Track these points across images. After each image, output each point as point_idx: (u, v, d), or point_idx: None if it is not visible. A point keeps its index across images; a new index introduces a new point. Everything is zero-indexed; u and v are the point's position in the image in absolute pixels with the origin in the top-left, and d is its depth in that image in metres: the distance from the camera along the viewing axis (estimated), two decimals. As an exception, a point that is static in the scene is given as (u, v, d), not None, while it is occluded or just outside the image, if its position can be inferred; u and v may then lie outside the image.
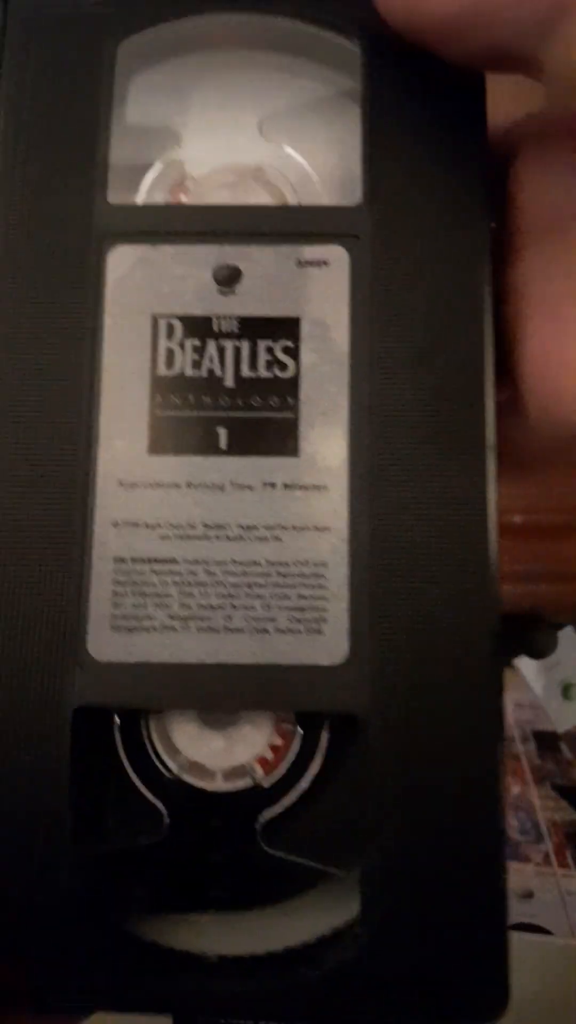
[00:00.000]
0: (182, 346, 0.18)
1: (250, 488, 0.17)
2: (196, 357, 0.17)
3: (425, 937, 0.16)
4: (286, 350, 0.17)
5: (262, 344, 0.18)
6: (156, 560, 0.17)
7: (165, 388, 0.17)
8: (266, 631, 0.17)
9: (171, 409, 0.17)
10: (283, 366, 0.17)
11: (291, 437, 0.17)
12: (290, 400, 0.17)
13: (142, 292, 0.18)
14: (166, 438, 0.17)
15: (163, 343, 0.18)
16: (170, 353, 0.17)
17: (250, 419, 0.17)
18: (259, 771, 0.17)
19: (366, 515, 0.17)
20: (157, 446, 0.17)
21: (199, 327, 0.18)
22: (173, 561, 0.17)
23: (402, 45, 0.17)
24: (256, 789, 0.17)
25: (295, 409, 0.17)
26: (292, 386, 0.17)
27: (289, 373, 0.17)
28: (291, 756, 0.17)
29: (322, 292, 0.18)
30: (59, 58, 0.18)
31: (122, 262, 0.18)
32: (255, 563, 0.17)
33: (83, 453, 0.17)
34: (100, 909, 0.17)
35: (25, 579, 0.17)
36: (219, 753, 0.17)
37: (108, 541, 0.17)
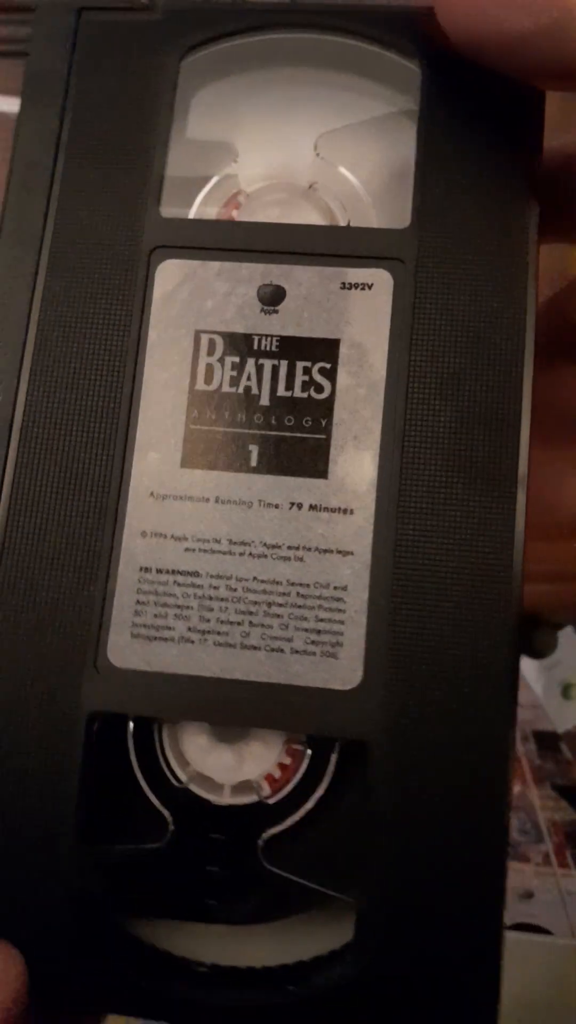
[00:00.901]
0: (222, 362, 0.18)
1: (276, 507, 0.17)
2: (234, 374, 0.18)
3: (418, 964, 0.16)
4: (323, 371, 0.18)
5: (300, 364, 0.18)
6: (180, 572, 0.17)
7: (202, 403, 0.18)
8: (282, 651, 0.17)
9: (206, 424, 0.18)
10: (319, 388, 0.18)
11: (321, 459, 0.17)
12: (323, 422, 0.17)
13: (187, 307, 0.18)
14: (199, 453, 0.17)
15: (204, 359, 0.18)
16: (209, 369, 0.18)
17: (282, 438, 0.17)
18: (265, 788, 0.17)
19: (390, 542, 0.17)
20: (190, 460, 0.17)
21: (240, 344, 0.18)
22: (196, 574, 0.17)
23: (462, 66, 0.17)
24: (261, 805, 0.17)
25: (327, 431, 0.17)
26: (326, 408, 0.17)
27: (324, 395, 0.17)
28: (298, 776, 0.17)
29: (363, 315, 0.18)
30: (126, 71, 0.19)
31: (170, 276, 0.18)
32: (276, 582, 0.17)
33: (118, 462, 0.17)
34: (102, 911, 0.17)
35: (52, 582, 0.17)
36: (228, 767, 0.17)
37: (135, 550, 0.17)
